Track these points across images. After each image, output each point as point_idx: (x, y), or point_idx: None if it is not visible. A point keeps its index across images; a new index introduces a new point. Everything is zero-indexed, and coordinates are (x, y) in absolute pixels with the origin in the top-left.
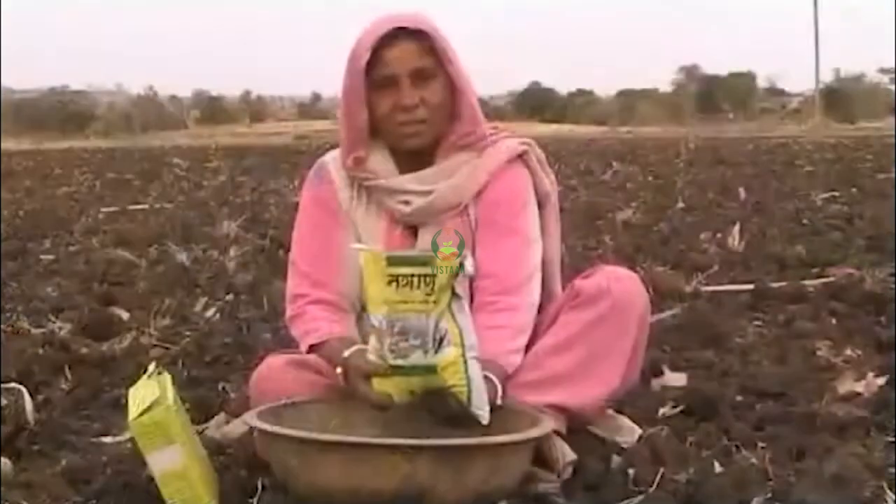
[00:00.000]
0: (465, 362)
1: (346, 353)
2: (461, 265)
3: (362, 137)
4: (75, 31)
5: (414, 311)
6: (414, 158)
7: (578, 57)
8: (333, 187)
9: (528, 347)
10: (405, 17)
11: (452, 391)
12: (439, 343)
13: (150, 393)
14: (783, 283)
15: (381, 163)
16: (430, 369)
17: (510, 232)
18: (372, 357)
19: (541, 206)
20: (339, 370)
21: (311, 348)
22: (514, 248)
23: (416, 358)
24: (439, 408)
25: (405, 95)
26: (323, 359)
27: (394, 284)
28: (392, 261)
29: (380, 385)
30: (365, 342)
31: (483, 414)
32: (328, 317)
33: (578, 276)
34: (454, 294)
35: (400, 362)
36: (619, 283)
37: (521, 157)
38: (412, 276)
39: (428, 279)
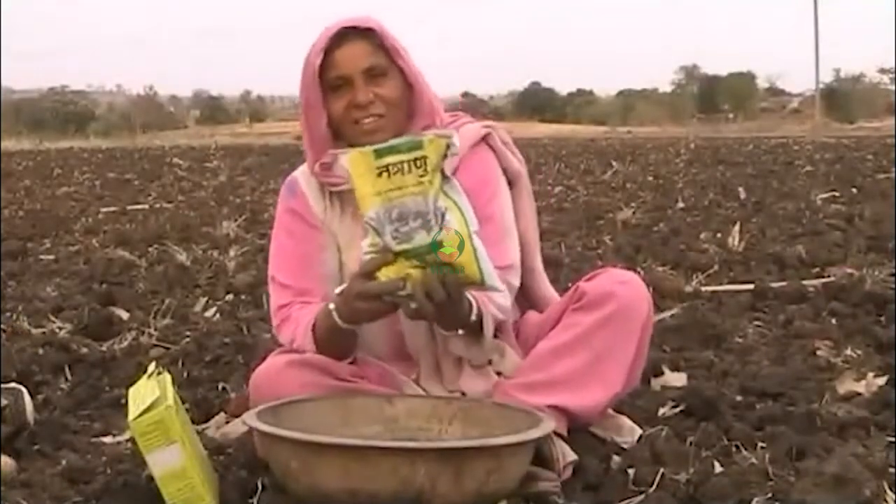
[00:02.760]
0: (470, 236)
1: (339, 289)
2: (449, 144)
3: (326, 143)
4: (75, 31)
5: (409, 195)
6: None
7: (578, 57)
8: (306, 200)
9: (530, 348)
10: (353, 17)
11: (462, 265)
12: (441, 220)
13: (150, 393)
14: (783, 283)
15: (342, 154)
16: (437, 246)
17: (485, 220)
18: (370, 255)
19: (512, 184)
20: (332, 306)
21: (312, 333)
22: (490, 236)
23: (421, 238)
24: (453, 281)
25: (359, 93)
26: (321, 335)
27: (385, 175)
28: (380, 152)
29: (386, 275)
30: None
31: (497, 285)
32: (313, 308)
33: (582, 278)
34: (444, 176)
35: (405, 246)
36: (623, 286)
37: (484, 139)
38: (402, 162)
39: (419, 162)
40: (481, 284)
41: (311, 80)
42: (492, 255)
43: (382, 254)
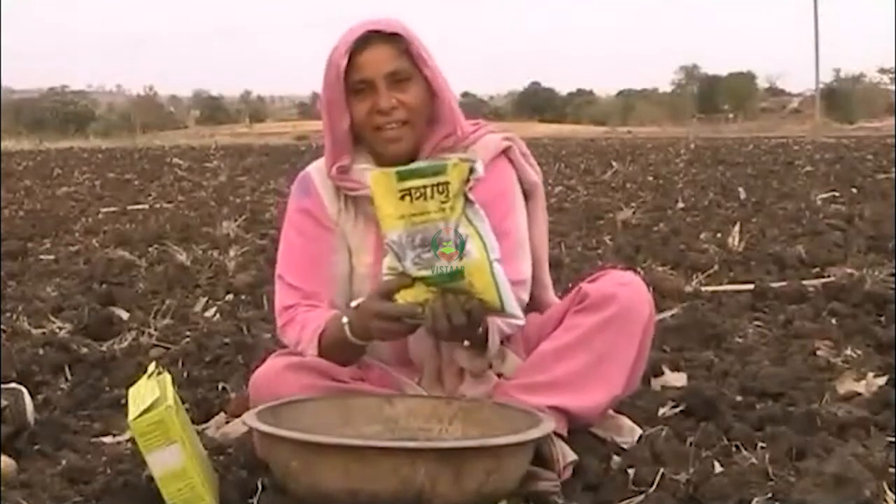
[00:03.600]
0: (491, 264)
1: (354, 304)
2: (472, 169)
3: (346, 146)
4: (75, 31)
5: (431, 221)
6: (397, 164)
7: (578, 57)
8: (320, 200)
9: (531, 349)
10: (378, 21)
11: (481, 293)
12: (461, 248)
13: (150, 393)
14: (783, 283)
15: (365, 171)
16: (457, 274)
17: (500, 235)
18: (390, 277)
19: (528, 196)
20: (345, 319)
21: (318, 341)
22: (504, 251)
23: (441, 266)
24: (475, 307)
25: (382, 98)
26: (328, 344)
27: (407, 198)
28: (403, 175)
29: (404, 298)
30: None
31: (516, 314)
32: (320, 313)
33: (584, 279)
34: (468, 200)
35: (424, 273)
36: (625, 288)
37: (504, 152)
38: (425, 187)
39: (441, 187)
40: (501, 311)
41: (335, 82)
42: (505, 270)
43: (403, 277)
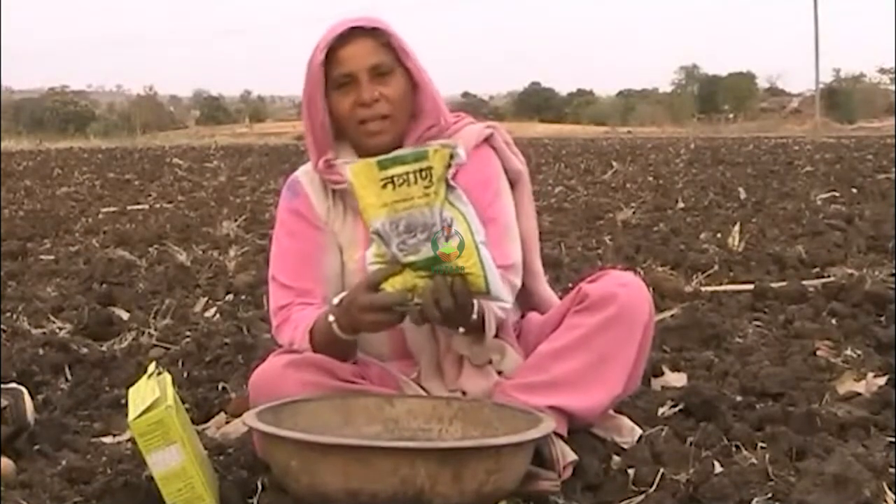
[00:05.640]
0: (477, 245)
1: (337, 299)
2: (453, 155)
3: (328, 140)
4: (75, 31)
5: (415, 206)
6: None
7: (578, 57)
8: (308, 200)
9: (531, 349)
10: (359, 17)
11: (469, 275)
12: (448, 231)
13: (150, 393)
14: (783, 283)
15: (345, 165)
16: (444, 257)
17: (488, 221)
18: (376, 266)
19: (514, 184)
20: (331, 318)
21: (310, 339)
22: (492, 237)
23: (428, 250)
24: (461, 289)
25: (364, 91)
26: (319, 341)
27: (390, 186)
28: (384, 164)
29: (392, 286)
30: None
31: (502, 296)
32: (312, 311)
33: (584, 279)
34: (449, 185)
35: (412, 258)
36: (625, 288)
37: (486, 140)
38: (407, 173)
39: (424, 173)
40: (487, 294)
41: (316, 77)
42: (494, 255)
43: (390, 265)
